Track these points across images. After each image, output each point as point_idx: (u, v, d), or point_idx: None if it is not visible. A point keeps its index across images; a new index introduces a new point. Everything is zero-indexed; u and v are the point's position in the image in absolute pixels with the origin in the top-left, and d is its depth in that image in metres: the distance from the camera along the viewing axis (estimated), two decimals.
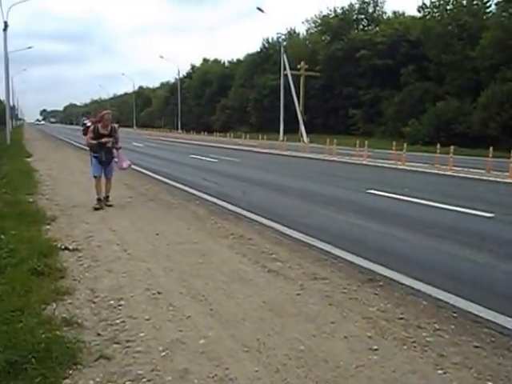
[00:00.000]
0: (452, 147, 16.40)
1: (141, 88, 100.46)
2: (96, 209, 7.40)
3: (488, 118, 27.67)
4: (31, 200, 8.03)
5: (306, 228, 6.37)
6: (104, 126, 7.56)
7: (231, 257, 5.00)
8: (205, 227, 6.41)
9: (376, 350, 2.99)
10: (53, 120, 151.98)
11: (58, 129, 73.83)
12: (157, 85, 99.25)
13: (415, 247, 5.71)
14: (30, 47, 46.49)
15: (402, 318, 3.48)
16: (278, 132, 39.32)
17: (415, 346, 3.05)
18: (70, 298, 3.76)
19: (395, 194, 9.50)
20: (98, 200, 7.64)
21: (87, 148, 8.09)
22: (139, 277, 4.31)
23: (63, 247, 5.16)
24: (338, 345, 3.06)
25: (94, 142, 7.51)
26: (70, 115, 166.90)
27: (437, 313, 3.60)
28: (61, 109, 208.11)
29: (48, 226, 6.22)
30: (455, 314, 3.56)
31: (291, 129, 39.95)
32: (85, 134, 7.81)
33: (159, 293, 3.91)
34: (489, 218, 7.29)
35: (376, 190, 9.99)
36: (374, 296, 3.94)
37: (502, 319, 3.46)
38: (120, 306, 3.63)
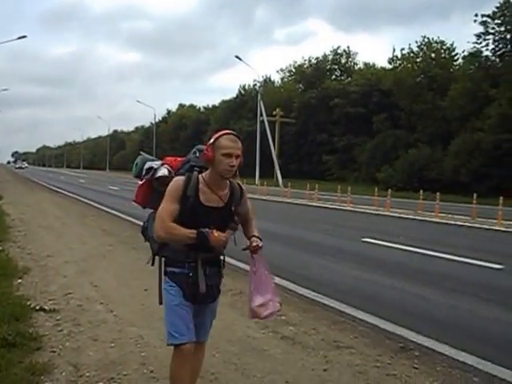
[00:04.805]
0: (438, 194, 16.35)
1: (115, 132, 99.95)
2: None
3: (459, 166, 28.35)
4: (1, 248, 7.18)
5: (310, 282, 5.83)
6: (217, 179, 2.40)
7: (235, 319, 4.35)
8: None
9: None
10: (25, 164, 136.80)
11: (31, 171, 72.06)
12: (132, 129, 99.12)
13: (435, 305, 5.17)
14: (5, 89, 45.01)
15: None
16: (253, 176, 39.14)
17: None
18: (48, 379, 3.02)
19: (391, 242, 9.08)
20: None
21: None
22: (131, 347, 3.61)
23: (38, 307, 4.41)
24: None
25: (188, 231, 2.30)
26: (42, 157, 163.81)
27: None
28: (33, 150, 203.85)
29: (20, 280, 5.43)
30: None
31: (266, 173, 39.99)
32: (141, 199, 2.68)
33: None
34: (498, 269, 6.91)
35: (371, 238, 9.55)
36: (415, 371, 3.35)
37: None
38: None
